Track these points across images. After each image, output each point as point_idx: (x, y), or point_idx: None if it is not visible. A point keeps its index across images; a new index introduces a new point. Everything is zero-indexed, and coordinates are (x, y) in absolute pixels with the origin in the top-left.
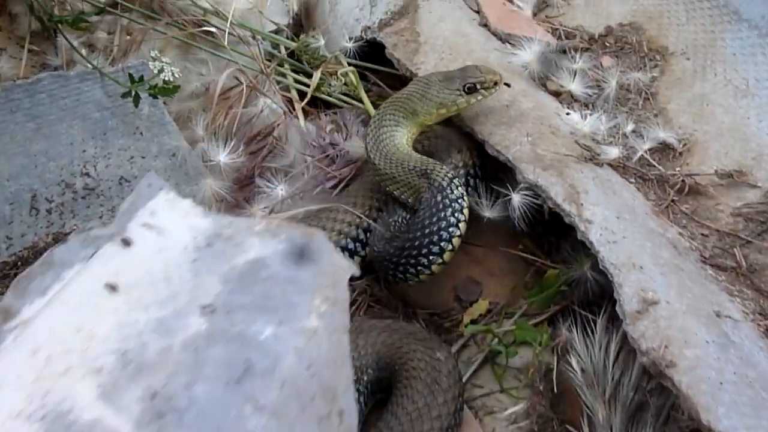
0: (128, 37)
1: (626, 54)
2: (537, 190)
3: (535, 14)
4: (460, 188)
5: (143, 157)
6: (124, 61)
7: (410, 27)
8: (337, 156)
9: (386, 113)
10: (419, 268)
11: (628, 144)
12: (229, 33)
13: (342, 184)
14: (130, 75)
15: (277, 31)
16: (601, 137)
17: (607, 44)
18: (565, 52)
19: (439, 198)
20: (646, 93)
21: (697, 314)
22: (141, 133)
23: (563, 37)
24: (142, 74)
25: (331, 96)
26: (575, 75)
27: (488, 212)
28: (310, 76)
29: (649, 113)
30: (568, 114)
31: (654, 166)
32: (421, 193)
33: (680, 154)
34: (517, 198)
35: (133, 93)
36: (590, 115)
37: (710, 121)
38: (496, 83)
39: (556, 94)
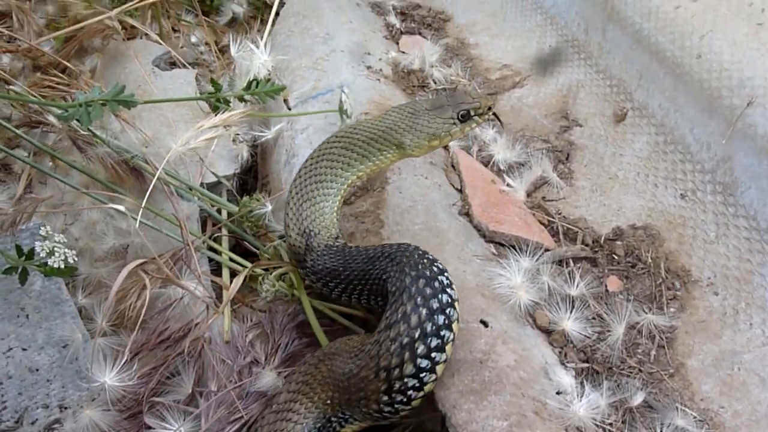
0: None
1: (638, 276)
2: None
3: (529, 194)
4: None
5: (24, 349)
6: (22, 222)
7: (374, 211)
8: (250, 386)
9: (319, 163)
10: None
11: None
12: (159, 183)
13: (246, 428)
14: (18, 247)
15: (217, 184)
16: (601, 418)
17: (616, 256)
18: (562, 263)
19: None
20: (661, 339)
21: None
22: (27, 317)
23: (561, 234)
24: (34, 246)
25: (262, 298)
26: (573, 306)
27: None
28: (249, 254)
29: (664, 372)
30: (558, 393)
31: None
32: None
33: None
34: None
35: (20, 269)
36: (588, 383)
37: (742, 396)
38: (489, 108)
39: (547, 332)
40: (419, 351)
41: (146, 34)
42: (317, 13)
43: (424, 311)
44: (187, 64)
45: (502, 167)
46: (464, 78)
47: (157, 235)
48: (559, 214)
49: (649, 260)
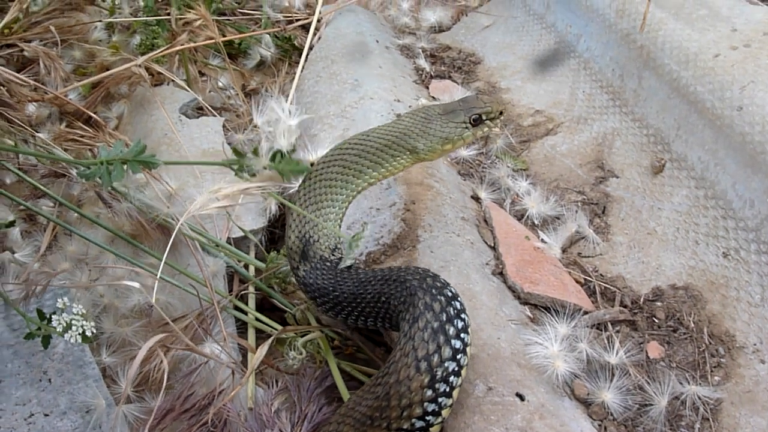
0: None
1: (680, 341)
2: None
3: (564, 250)
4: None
5: (47, 415)
6: (44, 288)
7: None
8: None
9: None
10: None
11: None
12: (184, 238)
13: None
14: (39, 312)
15: (243, 239)
16: None
17: (656, 319)
18: (600, 327)
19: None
20: (706, 411)
21: None
22: (49, 380)
23: (598, 294)
24: (55, 311)
25: (288, 367)
26: (612, 376)
27: None
28: (277, 309)
29: None
30: None
31: None
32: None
33: None
34: None
35: (42, 333)
36: None
37: None
38: (501, 113)
39: (586, 404)
40: (438, 376)
41: (173, 80)
42: (346, 58)
43: (441, 338)
44: (214, 111)
45: (536, 222)
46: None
47: (183, 291)
48: (596, 271)
49: (691, 324)
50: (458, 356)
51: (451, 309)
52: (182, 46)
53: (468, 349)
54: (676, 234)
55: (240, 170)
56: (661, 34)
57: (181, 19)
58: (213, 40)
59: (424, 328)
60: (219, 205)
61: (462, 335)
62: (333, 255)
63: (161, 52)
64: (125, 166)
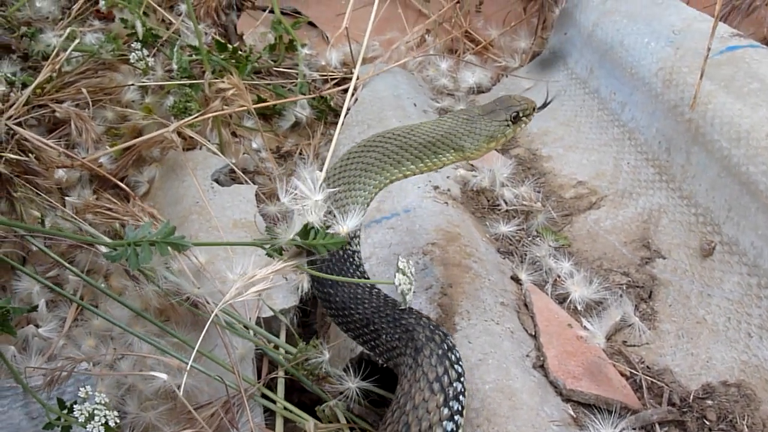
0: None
1: None
2: None
3: (609, 338)
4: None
5: None
6: (67, 376)
7: None
8: None
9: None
10: None
11: None
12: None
13: None
14: (60, 401)
15: (274, 318)
16: None
17: (707, 421)
18: (647, 428)
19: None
20: None
21: None
22: None
23: (645, 389)
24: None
25: None
26: None
27: None
28: (306, 392)
29: None
30: None
31: None
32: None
33: None
34: None
35: (63, 423)
36: None
37: None
38: (534, 108)
39: None
40: (450, 394)
41: (205, 145)
42: (383, 123)
43: (447, 362)
44: (247, 179)
45: (579, 307)
46: (536, 200)
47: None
48: (642, 363)
49: (745, 428)
50: (462, 379)
51: (449, 340)
52: (215, 113)
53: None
54: (727, 324)
55: (272, 250)
56: (711, 108)
57: (214, 83)
58: (245, 107)
59: (430, 355)
60: (255, 290)
61: (460, 364)
62: (351, 243)
63: (194, 119)
64: (153, 248)
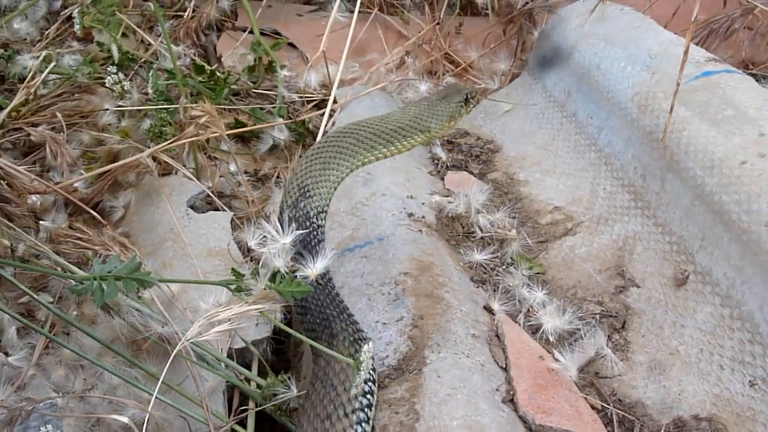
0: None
1: None
2: None
3: (581, 370)
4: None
5: None
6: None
7: (409, 399)
8: None
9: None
10: None
11: None
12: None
13: None
14: None
15: (245, 350)
16: None
17: None
18: None
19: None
20: None
21: None
22: None
23: (616, 423)
24: None
25: None
26: None
27: None
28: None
29: None
30: None
31: None
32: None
33: None
34: None
35: None
36: None
37: None
38: (476, 92)
39: None
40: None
41: (181, 170)
42: None
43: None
44: (223, 206)
45: (551, 338)
46: (511, 228)
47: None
48: (614, 395)
49: None
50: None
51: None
52: (189, 139)
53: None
54: (699, 356)
55: (238, 291)
56: (685, 134)
57: (189, 108)
58: (218, 134)
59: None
60: (219, 330)
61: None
62: (317, 217)
63: (168, 144)
64: (119, 283)
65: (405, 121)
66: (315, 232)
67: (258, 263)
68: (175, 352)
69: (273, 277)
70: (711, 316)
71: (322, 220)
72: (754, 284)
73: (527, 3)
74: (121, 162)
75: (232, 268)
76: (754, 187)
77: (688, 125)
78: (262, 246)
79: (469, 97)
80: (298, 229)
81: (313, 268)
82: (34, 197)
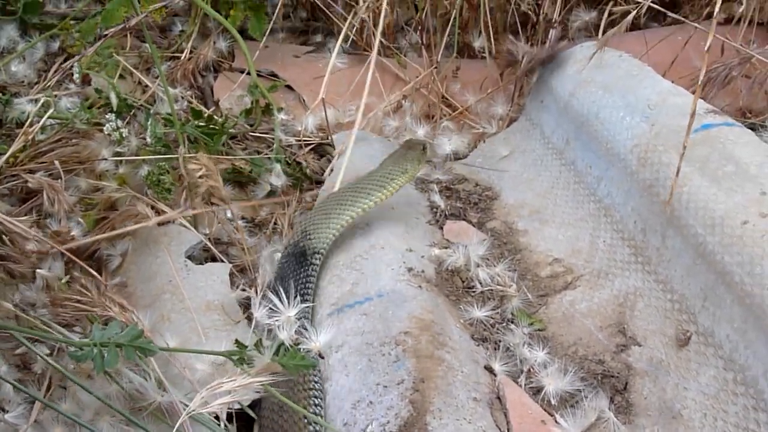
0: None
1: None
2: None
3: None
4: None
5: None
6: None
7: None
8: None
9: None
10: None
11: None
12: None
13: None
14: None
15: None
16: None
17: None
18: None
19: None
20: None
21: None
22: None
23: None
24: None
25: None
26: None
27: None
28: None
29: None
30: None
31: None
32: None
33: None
34: None
35: None
36: None
37: None
38: (426, 143)
39: None
40: None
41: (179, 220)
42: None
43: None
44: (221, 257)
45: (553, 401)
46: (511, 283)
47: None
48: None
49: None
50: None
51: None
52: (186, 192)
53: None
54: (703, 420)
55: (240, 362)
56: (686, 190)
57: (187, 158)
58: (216, 185)
59: None
60: (221, 402)
61: None
62: (313, 257)
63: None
64: (120, 350)
65: (389, 167)
66: (308, 269)
67: (254, 320)
68: (177, 425)
69: (277, 350)
70: (714, 379)
71: (317, 260)
72: (757, 349)
73: (531, 60)
74: (116, 213)
75: (236, 339)
76: (757, 249)
77: (688, 181)
78: (267, 318)
79: (425, 147)
80: (285, 269)
81: (316, 341)
82: (30, 244)
